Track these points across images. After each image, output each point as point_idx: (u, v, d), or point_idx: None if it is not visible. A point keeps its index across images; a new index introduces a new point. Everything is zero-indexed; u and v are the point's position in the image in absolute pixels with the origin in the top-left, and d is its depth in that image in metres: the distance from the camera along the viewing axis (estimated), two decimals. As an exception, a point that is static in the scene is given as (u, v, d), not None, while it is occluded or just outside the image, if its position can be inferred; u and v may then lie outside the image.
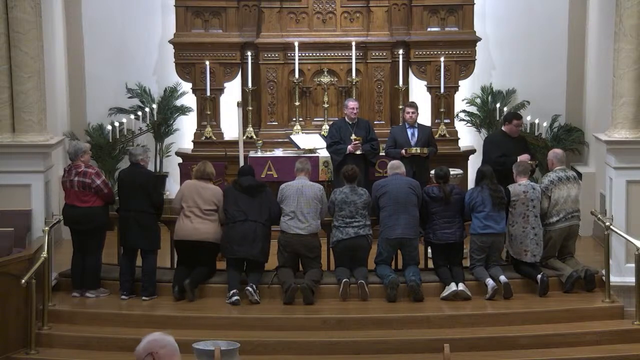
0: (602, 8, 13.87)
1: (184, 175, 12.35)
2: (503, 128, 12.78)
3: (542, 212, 11.82)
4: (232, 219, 11.55)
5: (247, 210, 11.53)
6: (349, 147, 13.07)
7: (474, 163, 13.82)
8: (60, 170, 13.38)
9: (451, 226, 11.66)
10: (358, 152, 13.11)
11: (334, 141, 13.24)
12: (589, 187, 13.67)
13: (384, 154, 13.29)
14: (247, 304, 11.18)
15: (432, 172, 12.16)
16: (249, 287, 11.22)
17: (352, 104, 13.39)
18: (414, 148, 12.95)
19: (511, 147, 12.51)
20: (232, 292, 11.18)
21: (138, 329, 10.78)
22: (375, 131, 13.65)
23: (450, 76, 14.58)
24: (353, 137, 13.12)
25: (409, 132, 13.10)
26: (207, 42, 14.54)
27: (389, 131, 13.71)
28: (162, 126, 14.95)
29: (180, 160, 14.27)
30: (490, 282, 11.39)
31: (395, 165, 12.04)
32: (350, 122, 13.31)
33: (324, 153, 13.79)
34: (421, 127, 13.23)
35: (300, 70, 14.43)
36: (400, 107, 14.21)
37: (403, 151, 12.90)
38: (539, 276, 11.41)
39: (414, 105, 13.25)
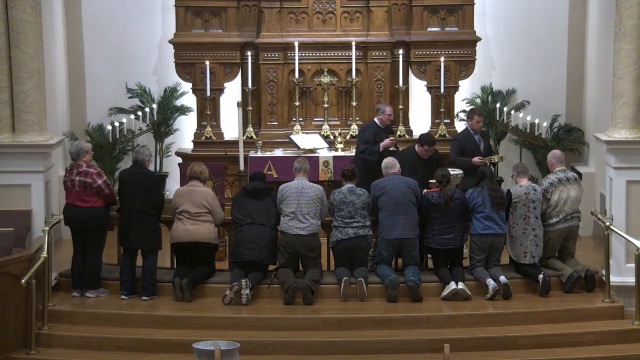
0: (602, 8, 13.88)
1: (184, 175, 12.35)
2: (415, 147, 12.61)
3: (541, 214, 11.82)
4: (239, 223, 11.62)
5: (254, 213, 11.60)
6: (383, 143, 12.88)
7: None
8: (60, 170, 13.39)
9: (451, 231, 11.65)
10: (392, 149, 13.00)
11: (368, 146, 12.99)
12: (589, 187, 13.66)
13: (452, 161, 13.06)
14: (240, 305, 11.20)
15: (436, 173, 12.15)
16: (245, 280, 11.23)
17: (389, 109, 13.22)
18: (491, 157, 12.77)
19: (416, 166, 12.33)
20: (233, 284, 11.22)
21: (138, 329, 10.83)
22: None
23: (450, 76, 14.57)
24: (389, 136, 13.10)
25: (476, 137, 12.98)
26: (207, 42, 14.53)
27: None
28: (162, 126, 14.95)
29: (180, 160, 14.26)
30: (491, 282, 11.39)
31: (390, 164, 11.98)
32: (382, 127, 13.19)
33: (323, 153, 13.79)
34: (483, 134, 13.15)
35: (300, 70, 14.42)
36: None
37: (477, 159, 12.64)
38: (541, 276, 11.42)
39: (482, 114, 13.17)
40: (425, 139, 12.64)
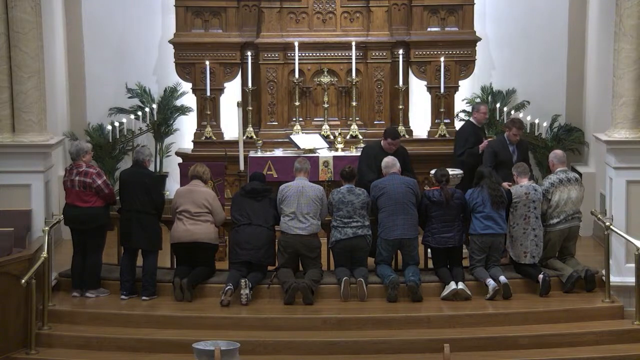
0: (602, 8, 13.88)
1: (184, 175, 12.35)
2: (382, 142, 12.57)
3: (542, 214, 11.82)
4: (237, 223, 11.63)
5: (251, 214, 11.62)
6: (481, 145, 12.83)
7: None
8: (60, 170, 13.40)
9: (450, 230, 11.65)
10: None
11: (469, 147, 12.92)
12: (589, 187, 13.65)
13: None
14: (240, 305, 11.19)
15: (432, 172, 12.16)
16: (244, 279, 11.23)
17: (484, 107, 13.17)
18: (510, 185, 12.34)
19: (381, 159, 12.17)
20: (227, 286, 11.21)
21: (138, 329, 10.84)
22: (376, 131, 13.75)
23: (450, 76, 14.56)
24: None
25: (511, 148, 12.73)
26: (207, 42, 14.53)
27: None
28: (162, 126, 14.96)
29: (180, 160, 14.26)
30: (491, 282, 11.39)
31: (391, 164, 11.97)
32: (479, 126, 13.13)
33: (323, 153, 13.79)
34: (520, 145, 12.83)
35: (300, 70, 14.42)
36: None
37: (506, 184, 12.15)
38: (541, 276, 11.42)
39: (522, 127, 12.93)
40: (389, 132, 12.62)
